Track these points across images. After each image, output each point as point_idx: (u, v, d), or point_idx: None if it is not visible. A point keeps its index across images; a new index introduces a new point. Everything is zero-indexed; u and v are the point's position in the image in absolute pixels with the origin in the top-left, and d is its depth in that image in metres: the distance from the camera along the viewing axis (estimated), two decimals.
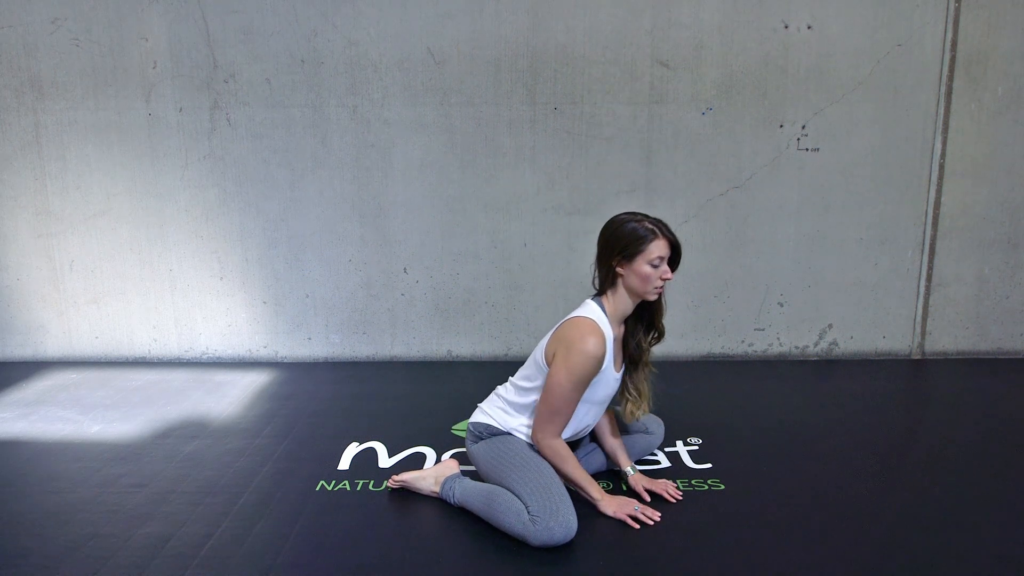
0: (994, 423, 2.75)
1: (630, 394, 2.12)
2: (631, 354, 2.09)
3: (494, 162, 3.39)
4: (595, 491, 2.04)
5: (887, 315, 3.55)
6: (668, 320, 3.47)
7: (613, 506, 2.03)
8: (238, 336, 3.61)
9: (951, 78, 3.32)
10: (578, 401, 2.00)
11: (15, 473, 2.37)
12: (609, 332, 2.01)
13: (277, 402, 3.02)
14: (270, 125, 3.38)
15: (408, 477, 2.18)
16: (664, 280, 1.97)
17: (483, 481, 2.09)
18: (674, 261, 2.00)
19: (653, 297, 2.00)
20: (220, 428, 2.74)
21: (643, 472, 2.28)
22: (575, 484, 2.03)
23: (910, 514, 2.06)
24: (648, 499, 2.12)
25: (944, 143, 3.38)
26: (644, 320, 2.09)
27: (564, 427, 2.03)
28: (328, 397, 3.08)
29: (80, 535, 1.97)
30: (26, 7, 3.30)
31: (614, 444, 2.24)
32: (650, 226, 1.97)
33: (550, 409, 1.98)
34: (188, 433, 2.69)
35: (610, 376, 2.07)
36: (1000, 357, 3.58)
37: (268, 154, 3.41)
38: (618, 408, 2.21)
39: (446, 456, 2.42)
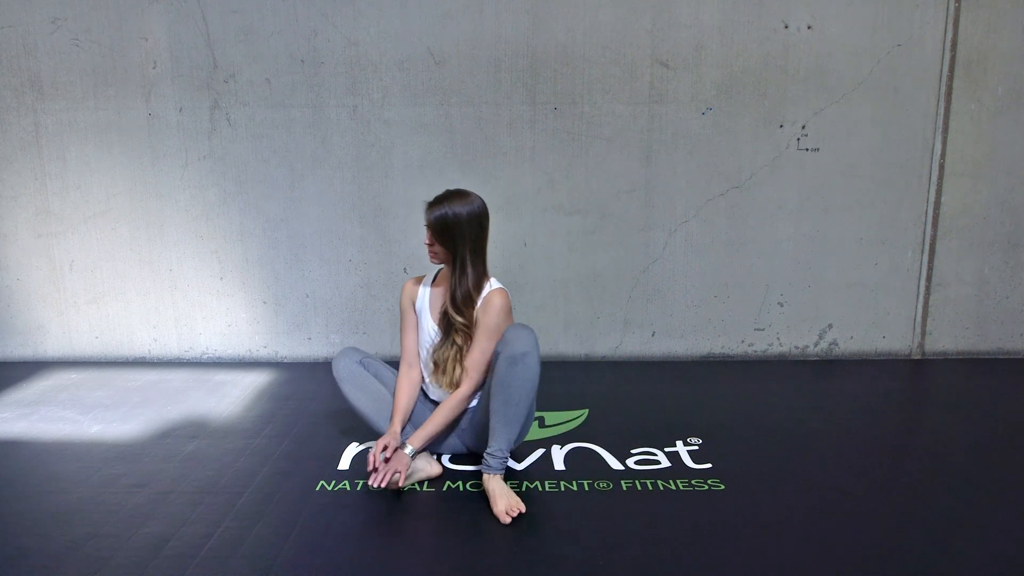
0: (994, 423, 2.75)
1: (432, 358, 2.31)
2: (440, 318, 2.28)
3: (494, 162, 3.39)
4: (393, 423, 2.24)
5: (887, 315, 3.55)
6: (667, 319, 3.51)
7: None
8: (238, 336, 3.61)
9: (951, 78, 3.32)
10: (406, 331, 2.37)
11: (15, 473, 2.37)
12: (426, 284, 2.37)
13: (277, 402, 3.02)
14: (270, 125, 3.38)
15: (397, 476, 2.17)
16: (426, 245, 2.23)
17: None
18: (436, 235, 2.18)
19: (431, 260, 2.26)
20: (220, 428, 2.74)
21: (643, 471, 2.29)
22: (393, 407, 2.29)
23: (910, 514, 2.06)
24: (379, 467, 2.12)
25: (944, 143, 3.38)
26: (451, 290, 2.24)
27: (406, 353, 2.37)
28: (328, 397, 3.08)
29: (80, 535, 1.97)
30: (26, 7, 3.30)
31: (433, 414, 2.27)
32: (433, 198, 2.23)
33: None
34: (188, 433, 2.69)
35: (425, 323, 2.33)
36: (1000, 357, 3.58)
37: (268, 154, 3.41)
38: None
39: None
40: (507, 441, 2.11)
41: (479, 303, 2.21)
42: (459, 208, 2.16)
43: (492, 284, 2.25)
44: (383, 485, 2.06)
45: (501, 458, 2.11)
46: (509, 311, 2.23)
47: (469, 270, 2.19)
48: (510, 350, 2.05)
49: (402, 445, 2.18)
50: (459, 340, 2.23)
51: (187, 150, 3.42)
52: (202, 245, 3.51)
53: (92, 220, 3.50)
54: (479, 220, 2.19)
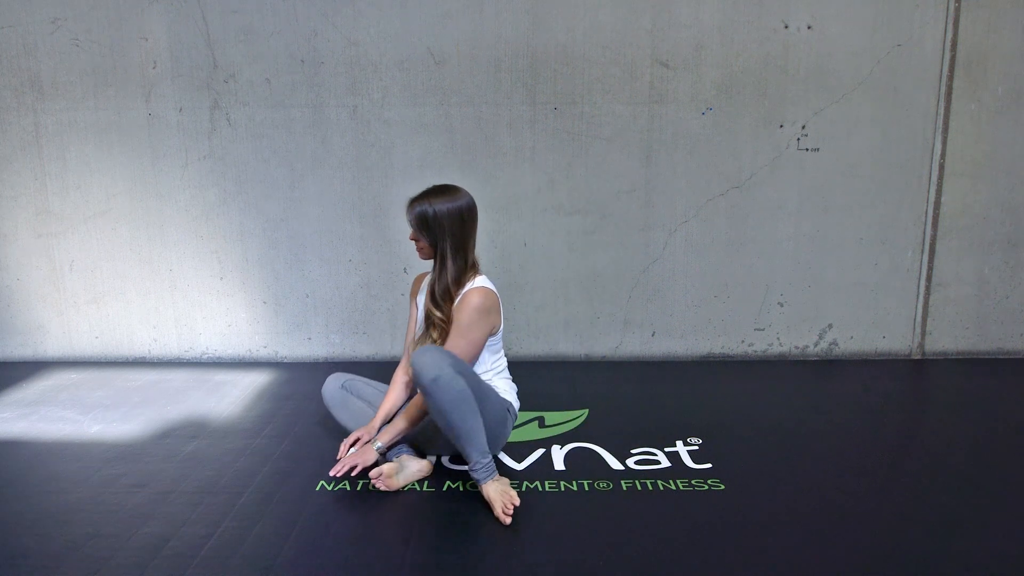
0: (994, 423, 2.75)
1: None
2: (424, 311, 2.31)
3: (494, 162, 3.39)
4: (375, 417, 2.31)
5: (887, 315, 3.55)
6: (667, 319, 3.51)
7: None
8: (238, 336, 3.61)
9: (951, 78, 3.32)
10: (409, 324, 2.44)
11: (15, 473, 2.37)
12: (428, 276, 2.35)
13: (277, 402, 3.02)
14: (270, 125, 3.38)
15: (389, 477, 2.18)
16: (412, 240, 2.26)
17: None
18: (417, 230, 2.22)
19: (419, 256, 2.29)
20: (220, 428, 2.74)
21: (643, 471, 2.30)
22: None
23: (910, 514, 2.06)
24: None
25: (944, 143, 3.38)
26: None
27: (407, 348, 2.42)
28: None
29: (80, 535, 1.97)
30: (26, 7, 3.30)
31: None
32: None
33: None
34: (188, 433, 2.69)
35: (417, 315, 2.39)
36: (1000, 357, 3.58)
37: (268, 154, 3.41)
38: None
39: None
40: (478, 452, 2.06)
41: (458, 299, 2.21)
42: (439, 204, 2.18)
43: (476, 281, 2.22)
44: (339, 475, 2.13)
45: (481, 468, 2.07)
46: (486, 310, 2.18)
47: (449, 265, 2.19)
48: (420, 382, 1.98)
49: (373, 440, 2.22)
50: (435, 335, 2.24)
51: (187, 150, 3.42)
52: (202, 245, 3.51)
53: (92, 220, 3.50)
54: (461, 215, 2.19)
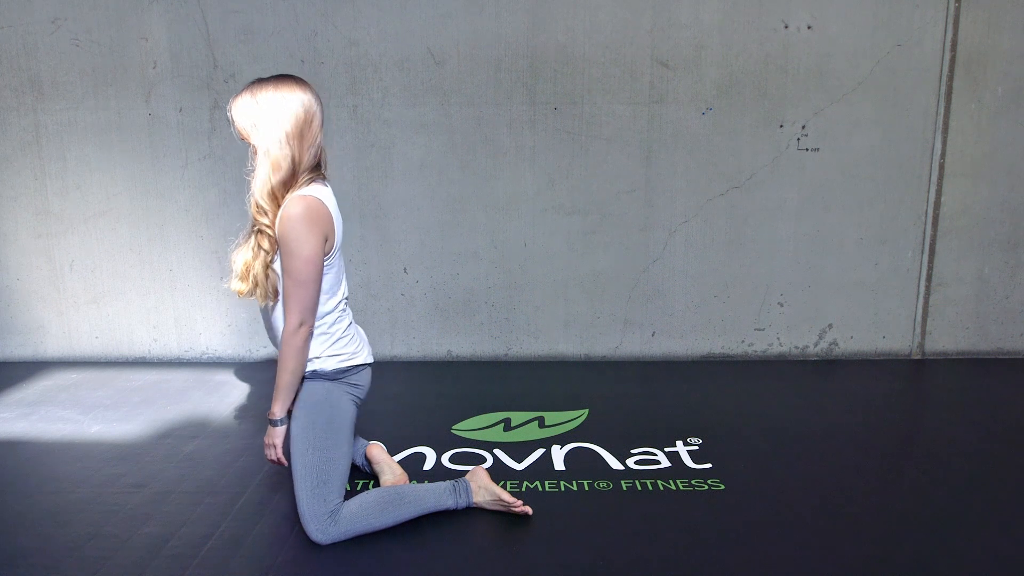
0: (994, 423, 2.75)
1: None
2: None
3: (494, 162, 3.39)
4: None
5: (887, 315, 3.55)
6: (667, 319, 3.51)
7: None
8: (238, 336, 3.61)
9: (951, 78, 3.32)
10: None
11: (15, 473, 2.37)
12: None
13: None
14: None
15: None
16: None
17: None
18: (239, 121, 2.00)
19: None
20: (220, 428, 2.74)
21: (643, 471, 2.30)
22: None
23: (910, 514, 2.06)
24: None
25: (944, 143, 3.38)
26: None
27: None
28: None
29: (80, 535, 1.97)
30: (26, 7, 3.30)
31: None
32: None
33: None
34: (188, 433, 2.69)
35: None
36: (1000, 357, 3.58)
37: None
38: None
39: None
40: (441, 508, 2.03)
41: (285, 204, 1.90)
42: (264, 92, 1.94)
43: (304, 189, 1.91)
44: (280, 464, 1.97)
45: (454, 507, 2.04)
46: (311, 219, 1.87)
47: (278, 161, 1.90)
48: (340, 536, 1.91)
49: (275, 423, 1.95)
50: (265, 244, 1.91)
51: (187, 150, 3.42)
52: (202, 245, 3.51)
53: (92, 220, 3.50)
54: (288, 105, 1.92)
